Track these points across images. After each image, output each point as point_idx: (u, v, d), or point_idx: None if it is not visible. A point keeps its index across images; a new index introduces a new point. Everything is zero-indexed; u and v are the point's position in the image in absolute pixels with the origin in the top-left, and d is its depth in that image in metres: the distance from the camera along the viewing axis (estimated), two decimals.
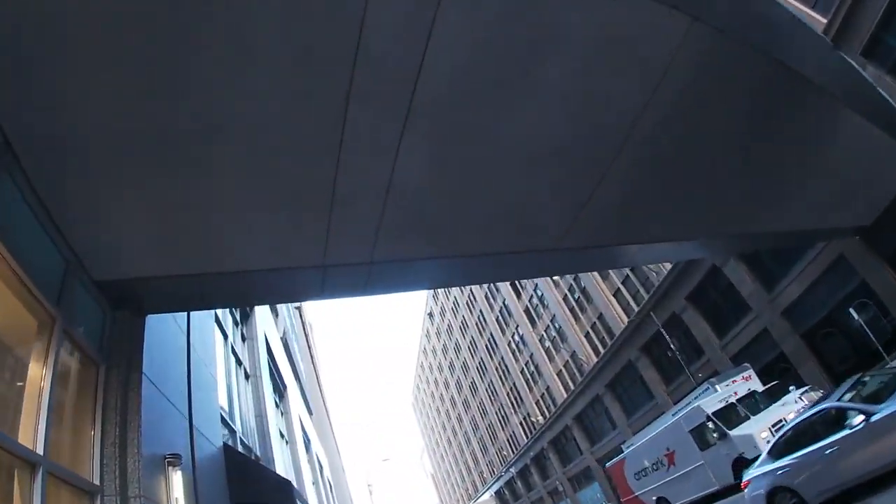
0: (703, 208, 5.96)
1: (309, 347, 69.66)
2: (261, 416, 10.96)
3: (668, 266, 32.55)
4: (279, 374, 16.96)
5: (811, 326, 24.73)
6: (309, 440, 24.43)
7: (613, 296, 40.05)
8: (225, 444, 6.44)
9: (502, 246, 5.19)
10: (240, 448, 8.42)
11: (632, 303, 37.66)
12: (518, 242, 5.30)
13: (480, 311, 70.90)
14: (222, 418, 7.43)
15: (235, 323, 11.63)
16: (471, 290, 73.16)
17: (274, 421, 12.41)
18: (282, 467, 11.91)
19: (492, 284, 64.63)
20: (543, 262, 6.03)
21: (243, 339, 12.09)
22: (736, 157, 5.66)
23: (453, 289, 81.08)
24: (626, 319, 38.12)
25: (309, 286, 4.77)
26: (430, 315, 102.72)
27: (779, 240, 7.73)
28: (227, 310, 10.50)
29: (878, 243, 21.09)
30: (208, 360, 6.84)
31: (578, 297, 45.37)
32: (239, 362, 10.77)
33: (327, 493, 29.18)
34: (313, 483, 22.52)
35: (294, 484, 10.43)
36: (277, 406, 17.13)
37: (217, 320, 8.80)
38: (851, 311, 19.03)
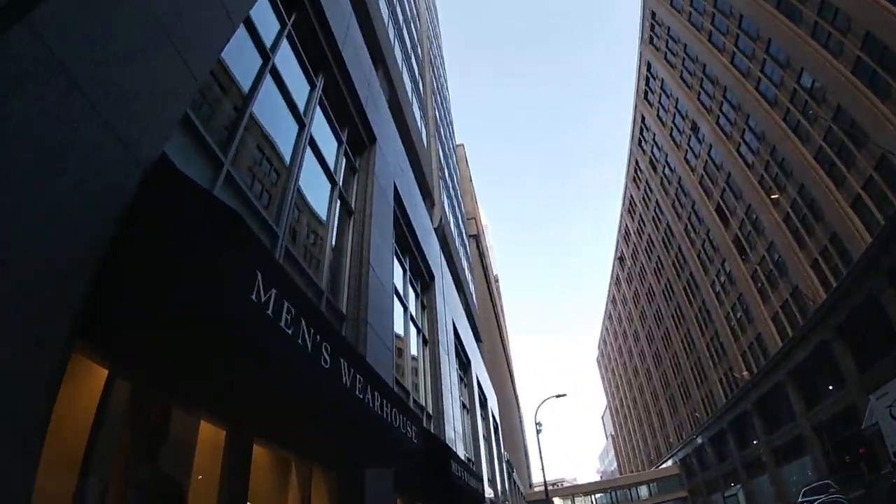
0: None
1: (490, 290, 70.44)
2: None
3: None
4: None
5: None
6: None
7: (851, 207, 32.07)
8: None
9: None
10: None
11: (876, 213, 29.73)
12: None
13: (679, 248, 64.11)
14: None
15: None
16: (667, 226, 66.55)
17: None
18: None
19: (693, 214, 57.83)
20: None
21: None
22: None
23: (647, 226, 74.93)
24: (868, 238, 30.35)
25: None
26: (621, 259, 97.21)
27: None
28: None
29: None
30: None
31: (805, 215, 37.54)
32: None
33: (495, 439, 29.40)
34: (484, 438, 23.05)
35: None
36: (462, 380, 16.73)
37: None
38: None
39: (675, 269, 66.97)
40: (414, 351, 13.60)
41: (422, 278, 15.74)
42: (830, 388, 37.40)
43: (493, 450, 30.34)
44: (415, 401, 12.25)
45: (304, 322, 3.74)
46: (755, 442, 51.35)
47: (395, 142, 13.95)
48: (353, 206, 9.72)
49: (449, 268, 22.41)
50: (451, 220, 31.52)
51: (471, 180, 70.62)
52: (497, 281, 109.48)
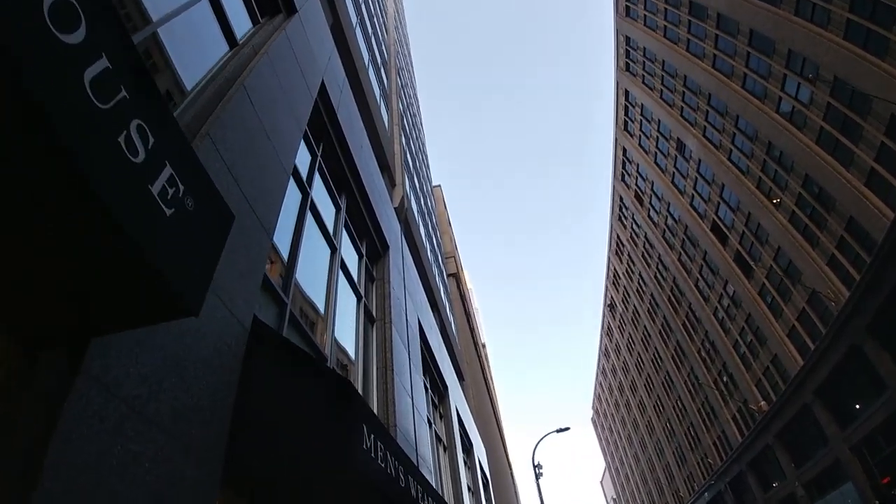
0: None
1: (470, 323, 66.97)
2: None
3: None
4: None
5: None
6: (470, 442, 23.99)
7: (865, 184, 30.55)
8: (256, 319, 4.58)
9: None
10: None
11: None
12: None
13: (674, 279, 62.17)
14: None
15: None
16: (659, 259, 64.92)
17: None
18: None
19: (686, 240, 56.38)
20: None
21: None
22: None
23: (637, 264, 73.33)
24: None
25: None
26: (611, 306, 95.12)
27: None
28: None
29: None
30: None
31: (813, 209, 35.95)
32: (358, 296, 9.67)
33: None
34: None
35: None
36: (436, 407, 17.62)
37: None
38: None
39: (671, 304, 64.71)
40: (349, 319, 9.78)
41: (368, 239, 12.28)
42: (857, 405, 34.68)
43: None
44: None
45: None
46: (775, 484, 47.57)
47: (334, 57, 10.81)
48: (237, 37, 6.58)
49: (418, 271, 19.32)
50: (423, 231, 27.82)
51: (450, 224, 68.44)
52: (485, 347, 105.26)
